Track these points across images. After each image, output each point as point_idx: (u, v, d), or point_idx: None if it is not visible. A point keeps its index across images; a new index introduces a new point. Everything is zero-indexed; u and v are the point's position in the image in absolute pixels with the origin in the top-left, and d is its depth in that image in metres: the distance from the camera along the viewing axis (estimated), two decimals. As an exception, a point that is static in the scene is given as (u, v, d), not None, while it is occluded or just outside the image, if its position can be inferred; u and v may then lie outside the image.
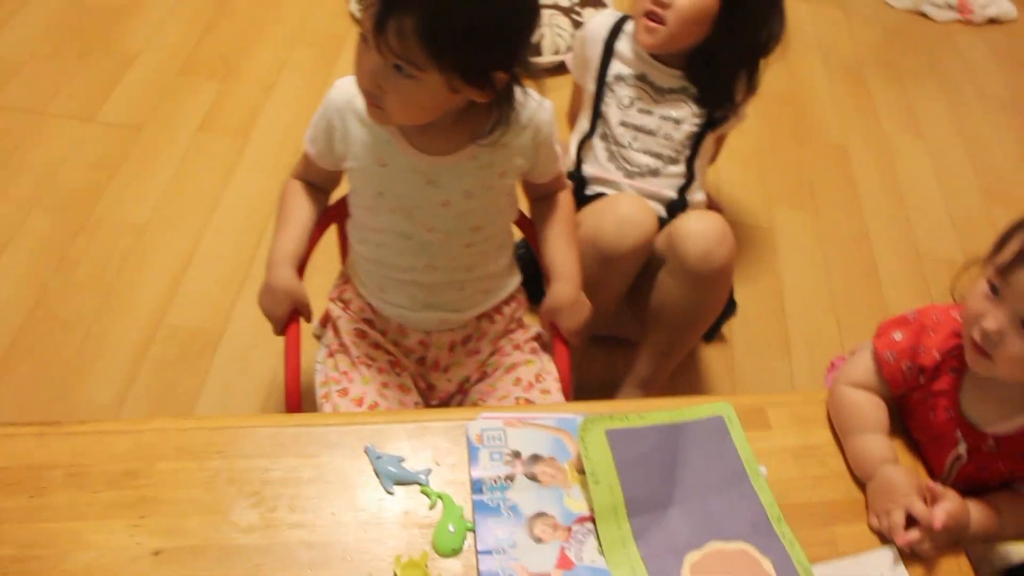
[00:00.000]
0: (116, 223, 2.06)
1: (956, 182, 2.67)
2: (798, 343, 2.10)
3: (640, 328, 1.78)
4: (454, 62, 1.04)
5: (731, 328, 2.05)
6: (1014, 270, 1.00)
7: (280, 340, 1.35)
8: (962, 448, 1.15)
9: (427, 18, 0.99)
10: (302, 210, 1.35)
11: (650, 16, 1.61)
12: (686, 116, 1.71)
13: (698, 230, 1.55)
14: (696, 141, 1.73)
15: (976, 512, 1.12)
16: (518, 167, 1.28)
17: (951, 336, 1.14)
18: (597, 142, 1.74)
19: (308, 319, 1.33)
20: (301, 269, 1.34)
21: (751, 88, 1.73)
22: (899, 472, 1.11)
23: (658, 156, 1.72)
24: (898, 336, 1.19)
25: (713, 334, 1.86)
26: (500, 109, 1.17)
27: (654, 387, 1.76)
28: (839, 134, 2.75)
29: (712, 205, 2.28)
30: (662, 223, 1.67)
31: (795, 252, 2.34)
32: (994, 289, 1.03)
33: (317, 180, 1.36)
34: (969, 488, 1.15)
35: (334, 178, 1.36)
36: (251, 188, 2.19)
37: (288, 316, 1.31)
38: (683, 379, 1.85)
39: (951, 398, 1.15)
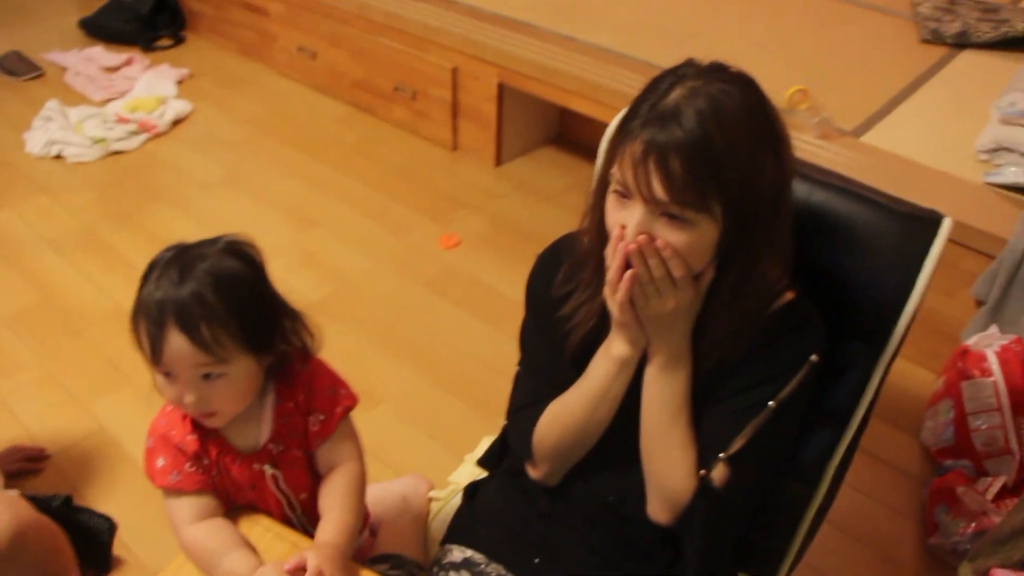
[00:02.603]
0: None
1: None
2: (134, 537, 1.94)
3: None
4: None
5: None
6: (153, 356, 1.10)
7: None
8: (269, 469, 1.21)
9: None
10: None
11: None
12: None
13: None
14: None
15: (333, 534, 1.17)
16: None
17: (184, 418, 1.20)
18: None
19: None
20: None
21: None
22: (266, 572, 1.10)
23: None
24: (161, 461, 1.19)
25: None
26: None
27: None
28: (106, 301, 2.66)
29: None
30: None
31: (129, 431, 2.22)
32: (167, 375, 1.12)
33: None
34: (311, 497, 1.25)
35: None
36: None
37: None
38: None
39: (217, 443, 1.20)
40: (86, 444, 2.17)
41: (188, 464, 1.19)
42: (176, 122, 3.61)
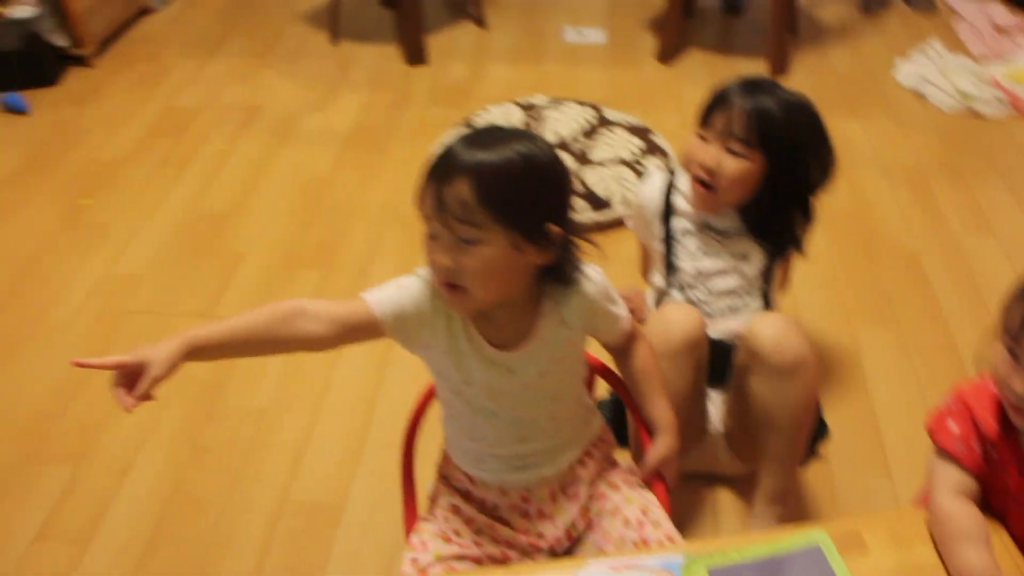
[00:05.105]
0: (240, 409, 2.96)
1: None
2: (897, 460, 2.71)
3: (738, 463, 2.49)
4: (512, 217, 1.48)
5: (828, 450, 2.69)
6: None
7: (398, 507, 1.98)
8: None
9: (479, 183, 1.46)
10: (253, 316, 1.54)
11: (700, 182, 2.23)
12: (752, 251, 2.33)
13: (765, 325, 2.12)
14: (768, 272, 2.34)
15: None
16: (581, 336, 1.76)
17: (995, 402, 1.50)
18: (675, 293, 2.36)
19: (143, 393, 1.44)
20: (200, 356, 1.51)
21: (807, 219, 2.35)
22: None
23: (735, 294, 2.32)
24: (953, 426, 1.53)
25: (808, 455, 2.39)
26: (562, 271, 1.63)
27: (789, 499, 2.31)
28: (909, 242, 3.65)
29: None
30: None
31: (883, 369, 3.05)
32: (1012, 354, 1.41)
33: (337, 329, 1.58)
34: None
35: (363, 334, 1.60)
36: (356, 367, 3.11)
37: (134, 369, 1.43)
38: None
39: (1019, 456, 1.50)
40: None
41: (975, 443, 1.49)
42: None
